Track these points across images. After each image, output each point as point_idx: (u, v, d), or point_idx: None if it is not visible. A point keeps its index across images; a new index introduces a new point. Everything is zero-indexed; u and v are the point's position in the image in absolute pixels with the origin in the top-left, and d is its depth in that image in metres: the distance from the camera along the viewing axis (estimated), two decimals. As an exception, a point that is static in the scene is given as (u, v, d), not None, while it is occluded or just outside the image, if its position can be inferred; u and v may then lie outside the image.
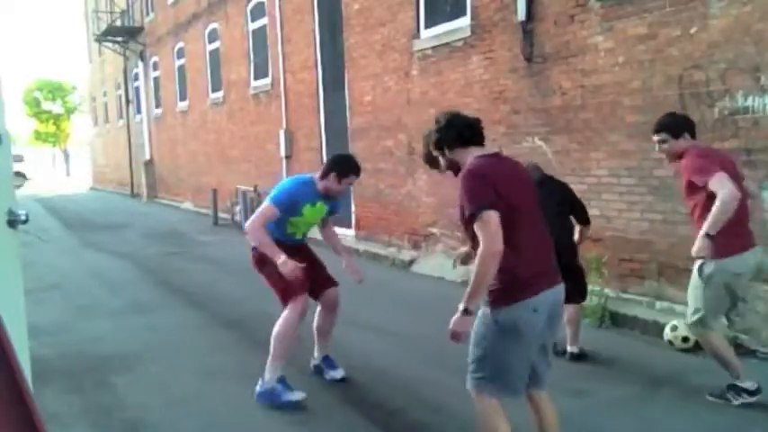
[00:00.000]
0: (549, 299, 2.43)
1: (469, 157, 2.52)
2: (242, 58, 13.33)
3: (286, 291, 3.75)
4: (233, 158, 14.21)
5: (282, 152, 11.62)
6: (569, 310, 4.15)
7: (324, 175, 3.90)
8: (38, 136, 51.83)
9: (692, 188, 3.39)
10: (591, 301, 5.23)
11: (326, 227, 4.32)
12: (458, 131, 2.57)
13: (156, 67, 19.76)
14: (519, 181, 2.51)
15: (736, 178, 3.33)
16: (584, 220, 4.46)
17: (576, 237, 4.43)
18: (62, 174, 46.30)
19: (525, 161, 3.93)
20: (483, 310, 2.46)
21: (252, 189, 12.30)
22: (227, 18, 13.97)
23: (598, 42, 5.53)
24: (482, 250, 2.30)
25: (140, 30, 20.61)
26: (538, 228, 2.51)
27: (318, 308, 4.14)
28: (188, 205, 17.05)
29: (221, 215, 13.37)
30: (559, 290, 2.53)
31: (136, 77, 21.66)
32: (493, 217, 2.30)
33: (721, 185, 3.19)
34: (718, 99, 4.65)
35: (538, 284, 2.41)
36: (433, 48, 7.64)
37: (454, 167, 2.62)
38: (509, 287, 2.38)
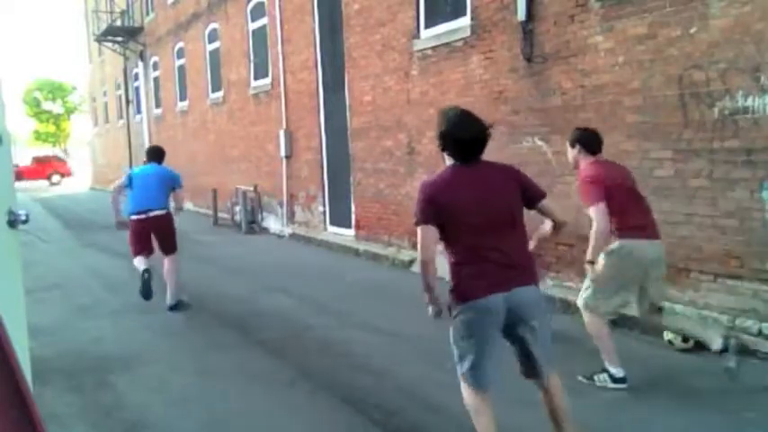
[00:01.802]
0: (493, 302, 2.59)
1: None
2: (242, 58, 13.33)
3: (132, 248, 6.08)
4: (233, 158, 14.21)
5: (282, 152, 11.62)
6: None
7: None
8: (38, 136, 51.82)
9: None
10: (591, 301, 5.23)
11: None
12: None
13: (156, 67, 19.76)
14: (468, 191, 2.63)
15: (623, 188, 3.74)
16: None
17: None
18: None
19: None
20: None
21: (252, 189, 12.30)
22: (227, 18, 13.97)
23: (598, 42, 5.53)
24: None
25: (140, 30, 20.61)
26: (489, 234, 2.62)
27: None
28: (188, 205, 17.00)
29: (221, 215, 13.38)
30: (512, 295, 2.60)
31: (136, 77, 21.66)
32: (425, 231, 2.67)
33: (596, 218, 3.57)
34: (718, 99, 4.64)
35: (486, 287, 2.59)
36: (433, 48, 7.64)
37: None
38: (457, 289, 2.67)
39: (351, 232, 9.78)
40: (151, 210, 5.93)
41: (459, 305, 2.66)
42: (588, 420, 3.44)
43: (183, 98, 17.45)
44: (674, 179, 4.98)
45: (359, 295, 6.74)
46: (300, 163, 11.29)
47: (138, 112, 21.77)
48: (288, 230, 11.24)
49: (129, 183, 6.03)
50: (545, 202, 2.79)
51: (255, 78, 12.87)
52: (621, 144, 5.40)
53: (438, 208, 2.64)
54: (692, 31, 4.76)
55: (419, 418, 3.54)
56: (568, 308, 5.57)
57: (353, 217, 9.71)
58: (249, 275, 7.87)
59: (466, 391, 2.76)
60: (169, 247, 6.14)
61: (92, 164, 31.87)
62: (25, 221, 2.29)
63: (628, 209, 3.71)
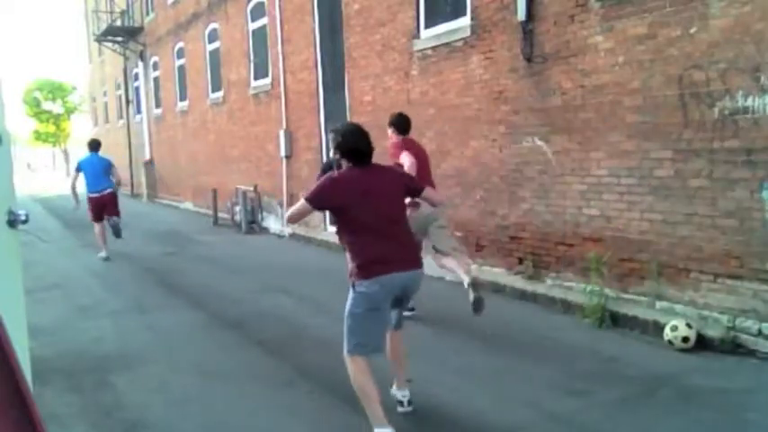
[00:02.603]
0: (395, 279, 3.16)
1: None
2: (242, 58, 13.33)
3: (91, 216, 9.14)
4: (233, 158, 14.21)
5: (282, 152, 11.62)
6: None
7: None
8: (38, 136, 51.76)
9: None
10: (591, 300, 5.24)
11: None
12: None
13: (156, 67, 19.76)
14: (369, 193, 3.19)
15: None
16: None
17: None
18: (62, 174, 46.25)
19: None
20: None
21: (252, 189, 12.30)
22: (227, 18, 13.97)
23: (598, 42, 5.53)
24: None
25: (140, 30, 20.61)
26: (384, 228, 3.21)
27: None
28: (188, 205, 17.05)
29: (221, 215, 13.38)
30: (408, 275, 3.22)
31: (136, 77, 21.65)
32: (306, 208, 3.23)
33: (408, 160, 4.97)
34: (718, 99, 4.65)
35: (383, 269, 3.12)
36: (433, 48, 7.64)
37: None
38: (364, 267, 3.15)
39: (351, 232, 9.76)
40: (104, 189, 9.04)
41: (366, 281, 3.11)
42: (589, 421, 3.45)
43: (183, 98, 17.45)
44: (674, 179, 4.98)
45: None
46: (300, 163, 11.30)
47: (138, 112, 21.76)
48: (288, 230, 11.24)
49: (80, 169, 9.06)
50: (425, 192, 3.54)
51: (255, 78, 12.87)
52: (621, 144, 5.40)
53: (337, 199, 3.21)
54: (692, 31, 4.76)
55: (419, 417, 3.54)
56: (569, 308, 5.57)
57: (353, 217, 9.69)
58: (249, 275, 7.87)
59: (355, 366, 3.19)
60: (115, 213, 9.18)
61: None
62: (25, 221, 2.29)
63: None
